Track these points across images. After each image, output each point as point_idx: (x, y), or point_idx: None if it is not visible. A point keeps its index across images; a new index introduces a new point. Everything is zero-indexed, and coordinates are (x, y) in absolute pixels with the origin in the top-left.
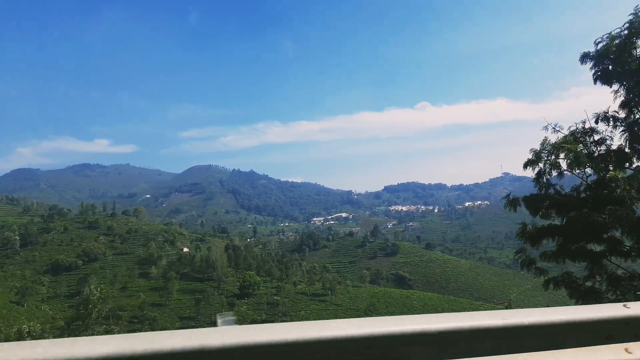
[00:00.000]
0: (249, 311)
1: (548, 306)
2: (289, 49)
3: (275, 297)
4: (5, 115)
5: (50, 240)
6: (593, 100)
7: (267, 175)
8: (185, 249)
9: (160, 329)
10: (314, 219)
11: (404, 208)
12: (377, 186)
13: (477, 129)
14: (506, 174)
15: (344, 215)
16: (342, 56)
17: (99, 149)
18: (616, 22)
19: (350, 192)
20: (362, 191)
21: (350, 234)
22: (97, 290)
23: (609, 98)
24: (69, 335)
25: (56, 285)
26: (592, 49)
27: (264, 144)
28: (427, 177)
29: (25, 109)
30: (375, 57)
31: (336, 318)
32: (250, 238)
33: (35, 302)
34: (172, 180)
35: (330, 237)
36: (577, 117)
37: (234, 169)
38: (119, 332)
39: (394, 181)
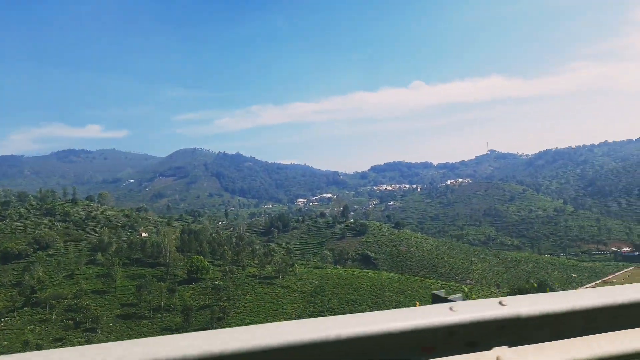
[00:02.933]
0: (193, 297)
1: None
2: (281, 30)
3: (217, 282)
4: None
5: (3, 228)
6: (591, 75)
7: (253, 158)
8: (144, 234)
9: (92, 318)
10: (298, 200)
11: (388, 187)
12: (365, 166)
13: (470, 107)
14: (492, 151)
15: (328, 196)
16: (336, 36)
17: (91, 134)
18: None
19: (336, 173)
20: (351, 171)
21: (322, 214)
22: (34, 279)
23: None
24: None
25: (2, 273)
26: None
27: (257, 126)
28: (415, 156)
29: (16, 95)
30: (368, 36)
31: (281, 301)
32: (221, 221)
33: None
34: (158, 164)
35: (301, 218)
36: (575, 93)
37: (219, 152)
38: (54, 320)
39: (381, 161)
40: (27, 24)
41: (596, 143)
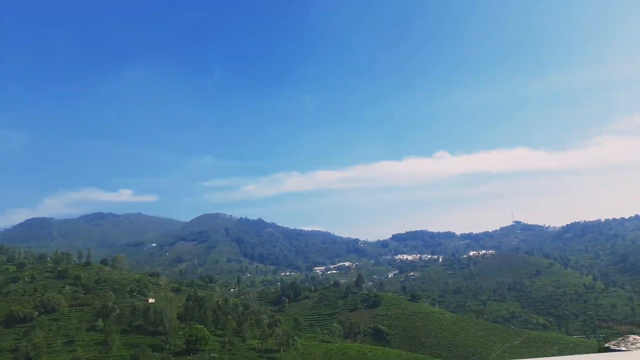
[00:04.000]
0: None
1: None
2: (307, 103)
3: (213, 355)
4: (36, 167)
5: (13, 291)
6: (617, 149)
7: (275, 224)
8: (151, 300)
9: None
10: (316, 268)
11: (410, 257)
12: (386, 234)
13: (495, 177)
14: (517, 222)
15: (346, 264)
16: (359, 108)
17: (122, 198)
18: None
19: (357, 241)
20: (372, 239)
21: (335, 284)
22: (32, 345)
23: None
24: None
25: (3, 338)
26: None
27: (281, 192)
28: (438, 225)
29: (55, 163)
30: (392, 108)
31: None
32: (233, 288)
33: None
34: (180, 228)
35: (314, 287)
36: (603, 166)
37: (240, 217)
38: None
39: (403, 229)
40: (70, 103)
41: (627, 217)
